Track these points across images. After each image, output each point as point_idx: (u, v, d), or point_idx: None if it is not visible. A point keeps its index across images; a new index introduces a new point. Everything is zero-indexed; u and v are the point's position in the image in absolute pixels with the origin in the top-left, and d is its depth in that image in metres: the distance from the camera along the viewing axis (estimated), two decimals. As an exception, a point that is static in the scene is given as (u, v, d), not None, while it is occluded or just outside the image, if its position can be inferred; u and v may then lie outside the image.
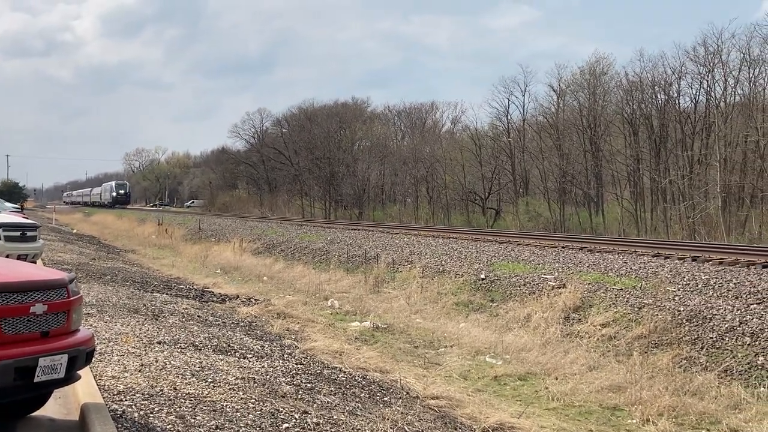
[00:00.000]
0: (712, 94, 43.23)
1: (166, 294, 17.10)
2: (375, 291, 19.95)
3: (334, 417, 7.37)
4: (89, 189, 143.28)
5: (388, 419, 7.79)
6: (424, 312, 17.03)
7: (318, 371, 9.82)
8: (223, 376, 8.15)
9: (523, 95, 58.02)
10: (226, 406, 6.97)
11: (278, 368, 9.32)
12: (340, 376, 9.85)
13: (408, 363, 12.16)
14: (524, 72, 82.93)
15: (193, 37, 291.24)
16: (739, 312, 12.48)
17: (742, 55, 41.12)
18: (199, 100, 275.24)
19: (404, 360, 12.39)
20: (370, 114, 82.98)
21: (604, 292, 15.07)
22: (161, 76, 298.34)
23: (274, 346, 11.42)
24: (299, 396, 8.04)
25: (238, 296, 18.64)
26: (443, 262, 20.91)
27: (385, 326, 15.39)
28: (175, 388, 7.32)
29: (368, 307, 17.58)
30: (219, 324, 13.02)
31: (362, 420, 7.59)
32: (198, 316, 13.54)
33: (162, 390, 7.19)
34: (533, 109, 58.76)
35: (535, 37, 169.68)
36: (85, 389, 6.81)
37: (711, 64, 42.54)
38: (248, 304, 17.05)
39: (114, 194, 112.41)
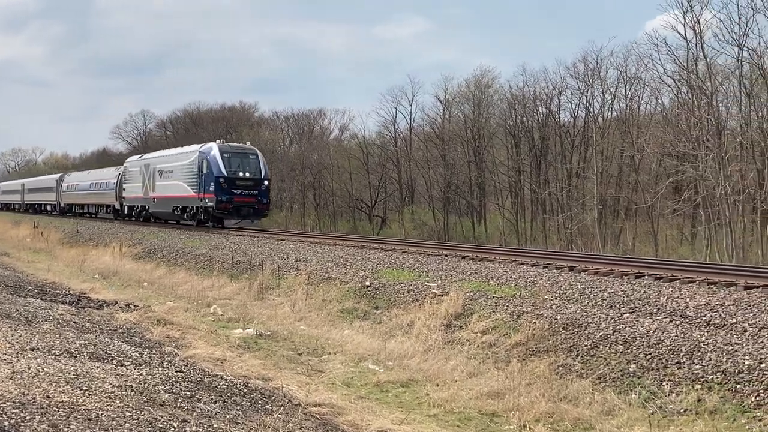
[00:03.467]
0: (591, 109, 44.94)
1: (41, 299, 16.51)
2: (259, 298, 19.76)
3: (214, 425, 7.28)
4: (87, 172, 62.38)
5: (269, 427, 7.75)
6: (309, 319, 16.97)
7: (198, 379, 9.67)
8: (99, 384, 7.93)
9: (411, 105, 58.87)
10: (102, 414, 6.78)
11: (157, 376, 9.13)
12: (221, 383, 9.72)
13: (291, 370, 12.11)
14: (412, 82, 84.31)
15: (80, 36, 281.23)
16: (612, 321, 12.92)
17: (619, 72, 42.95)
18: (84, 100, 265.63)
19: (287, 367, 12.34)
20: (257, 119, 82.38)
21: (484, 300, 15.34)
22: (44, 75, 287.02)
23: (154, 354, 11.18)
24: (178, 404, 7.90)
25: (116, 302, 18.15)
26: (329, 269, 20.90)
27: (269, 333, 15.28)
28: (48, 396, 7.07)
29: (252, 314, 17.41)
30: (96, 330, 12.67)
31: (243, 428, 7.52)
32: (74, 322, 13.13)
33: (34, 398, 6.94)
34: (420, 119, 59.75)
35: (428, 48, 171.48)
36: (-50, 398, 6.51)
37: (590, 81, 44.25)
38: (127, 311, 16.64)
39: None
